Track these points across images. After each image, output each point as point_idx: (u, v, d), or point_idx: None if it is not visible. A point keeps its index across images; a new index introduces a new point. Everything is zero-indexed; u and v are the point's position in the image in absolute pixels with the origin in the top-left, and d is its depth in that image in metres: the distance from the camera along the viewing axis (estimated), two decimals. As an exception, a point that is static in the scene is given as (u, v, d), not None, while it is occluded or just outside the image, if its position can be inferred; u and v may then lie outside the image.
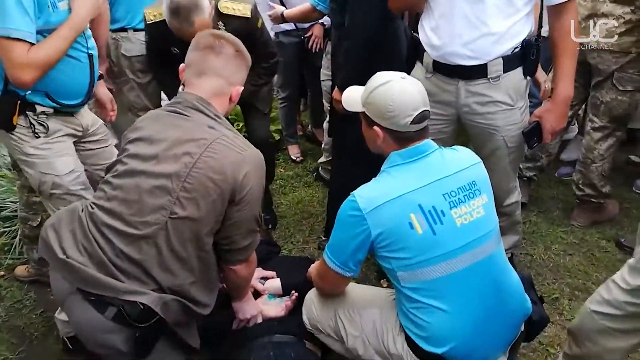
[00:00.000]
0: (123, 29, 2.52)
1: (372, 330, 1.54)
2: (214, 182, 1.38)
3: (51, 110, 1.79)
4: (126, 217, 1.38)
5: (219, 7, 2.05)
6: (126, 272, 1.37)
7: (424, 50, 1.86)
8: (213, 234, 1.46)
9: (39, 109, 1.76)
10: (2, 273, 2.50)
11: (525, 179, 2.86)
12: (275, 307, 1.88)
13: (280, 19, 2.72)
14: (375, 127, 1.45)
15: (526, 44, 1.80)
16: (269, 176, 2.72)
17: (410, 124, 1.41)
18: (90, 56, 1.83)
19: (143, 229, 1.37)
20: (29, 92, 1.70)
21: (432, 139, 1.49)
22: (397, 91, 1.41)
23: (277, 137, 3.62)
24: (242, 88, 1.57)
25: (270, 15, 2.77)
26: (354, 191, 1.43)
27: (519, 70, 1.84)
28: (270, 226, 2.72)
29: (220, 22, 2.04)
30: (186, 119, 1.46)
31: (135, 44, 2.53)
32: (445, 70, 1.83)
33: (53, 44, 1.65)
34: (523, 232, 2.50)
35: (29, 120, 1.74)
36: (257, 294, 1.92)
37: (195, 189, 1.37)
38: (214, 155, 1.40)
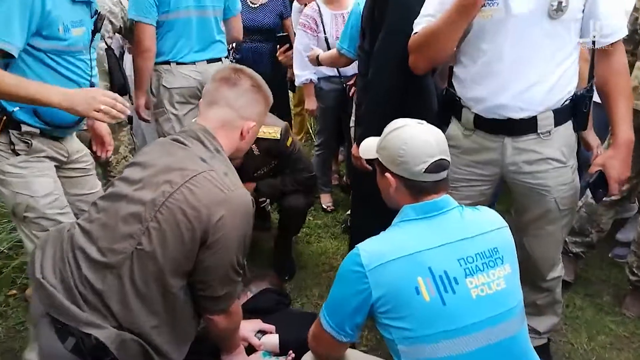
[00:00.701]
0: (167, 62, 2.57)
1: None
2: (186, 216, 1.29)
3: (37, 131, 1.71)
4: (100, 242, 1.32)
5: None
6: (89, 302, 1.29)
7: (462, 106, 1.70)
8: (183, 276, 1.34)
9: (24, 127, 1.69)
10: (15, 292, 2.48)
11: (571, 254, 2.58)
12: (268, 366, 1.71)
13: (316, 61, 2.70)
14: (388, 175, 1.32)
15: (577, 95, 1.64)
16: (296, 231, 2.65)
17: (425, 172, 1.26)
18: (92, 85, 1.78)
19: (110, 257, 1.30)
20: (17, 108, 1.64)
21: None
22: (410, 135, 1.29)
23: (310, 184, 3.52)
24: (255, 124, 1.49)
25: (308, 57, 2.78)
26: (360, 244, 1.28)
27: (569, 124, 1.67)
28: (287, 277, 2.58)
29: (254, 144, 2.14)
30: (183, 148, 1.40)
31: (176, 77, 2.57)
32: (490, 126, 1.65)
33: (12, 83, 1.49)
34: (564, 316, 2.21)
35: (10, 137, 1.67)
36: (251, 349, 1.76)
37: (166, 220, 1.29)
38: (193, 189, 1.31)
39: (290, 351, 1.71)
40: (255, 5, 3.34)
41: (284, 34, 3.24)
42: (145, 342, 1.31)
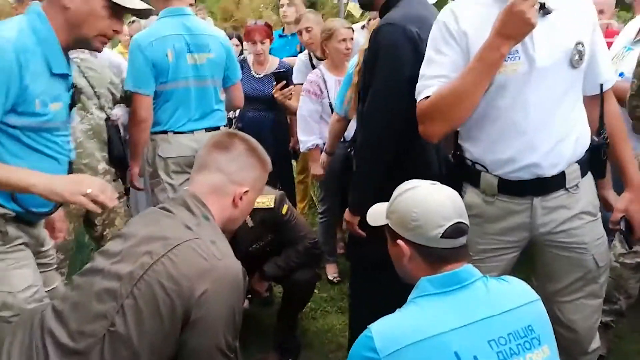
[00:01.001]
0: (164, 132, 2.51)
1: None
2: (165, 291, 1.15)
3: (12, 214, 1.51)
4: (70, 324, 1.17)
5: None
6: None
7: (478, 171, 1.53)
8: None
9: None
10: None
11: (600, 324, 2.36)
12: None
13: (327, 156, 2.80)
14: (400, 242, 1.18)
15: (594, 144, 1.54)
16: (301, 306, 2.47)
17: (442, 237, 1.13)
18: (70, 164, 1.65)
19: (79, 341, 1.14)
20: None
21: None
22: (423, 197, 1.17)
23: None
24: (250, 191, 1.38)
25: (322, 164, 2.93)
26: (372, 325, 1.11)
27: (590, 175, 1.56)
28: (291, 358, 2.36)
29: (248, 216, 2.10)
30: (168, 215, 1.28)
31: (172, 145, 2.50)
32: (516, 188, 1.49)
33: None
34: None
35: None
36: None
37: (143, 296, 1.14)
38: (174, 259, 1.18)
39: None
40: (260, 76, 3.35)
41: (283, 70, 3.20)
42: None
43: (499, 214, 1.53)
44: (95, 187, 1.37)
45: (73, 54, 2.32)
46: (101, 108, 2.38)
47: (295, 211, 2.35)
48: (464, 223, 1.17)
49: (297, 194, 4.00)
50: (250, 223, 2.15)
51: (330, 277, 3.21)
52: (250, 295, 2.32)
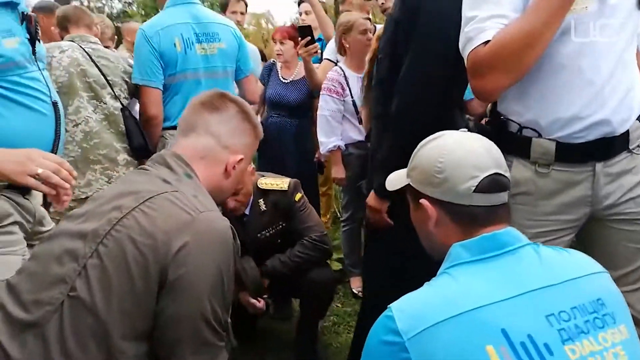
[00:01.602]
0: (173, 127, 2.35)
1: None
2: (137, 246, 0.94)
3: (3, 183, 1.31)
4: (23, 295, 0.97)
5: (258, 184, 2.06)
6: None
7: (527, 139, 1.26)
8: (137, 338, 0.95)
9: None
10: None
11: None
12: None
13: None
14: (423, 202, 0.94)
15: None
16: (321, 313, 2.22)
17: (475, 191, 0.88)
18: (54, 104, 1.44)
19: (33, 311, 0.93)
20: None
21: None
22: (450, 145, 0.94)
23: (338, 266, 3.10)
24: (244, 159, 1.18)
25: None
26: (393, 303, 0.87)
27: None
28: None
29: (261, 199, 2.06)
30: (144, 172, 1.09)
31: None
32: (577, 153, 1.22)
33: None
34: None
35: None
36: None
37: (110, 254, 0.94)
38: (148, 212, 0.98)
39: None
40: (287, 81, 3.20)
41: (307, 24, 2.94)
42: None
43: (555, 188, 1.24)
44: (48, 165, 1.18)
45: (85, 44, 2.27)
46: (116, 97, 2.27)
47: (309, 204, 2.17)
48: (503, 175, 0.93)
49: (321, 207, 3.78)
50: (262, 207, 2.04)
51: (355, 291, 2.93)
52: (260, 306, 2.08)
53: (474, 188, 0.90)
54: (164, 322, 0.96)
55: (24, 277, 1.01)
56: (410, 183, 1.01)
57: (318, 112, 2.86)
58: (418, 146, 1.03)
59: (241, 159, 1.18)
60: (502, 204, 0.93)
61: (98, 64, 2.25)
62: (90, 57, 2.24)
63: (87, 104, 2.20)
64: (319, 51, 2.88)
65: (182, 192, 1.04)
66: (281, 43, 3.09)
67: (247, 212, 2.06)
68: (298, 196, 2.09)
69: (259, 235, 2.07)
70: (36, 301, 0.94)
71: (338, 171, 2.86)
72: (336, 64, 2.96)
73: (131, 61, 2.39)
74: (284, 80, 3.21)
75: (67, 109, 2.13)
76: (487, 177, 0.90)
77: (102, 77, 2.25)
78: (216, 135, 1.16)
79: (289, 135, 3.17)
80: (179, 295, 0.95)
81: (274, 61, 3.34)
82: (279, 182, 2.08)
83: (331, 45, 3.09)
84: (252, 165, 2.05)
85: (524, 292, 0.81)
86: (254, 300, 2.03)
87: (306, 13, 3.85)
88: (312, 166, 3.35)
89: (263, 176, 2.11)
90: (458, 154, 0.93)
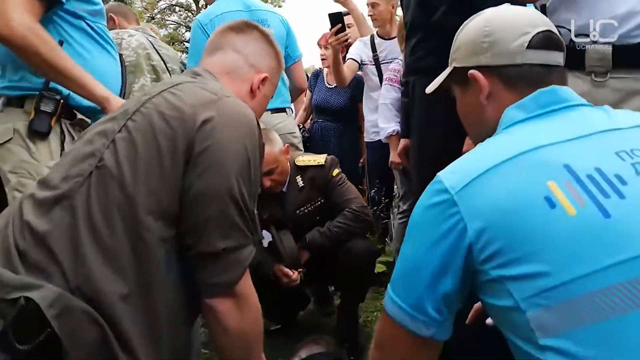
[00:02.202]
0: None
1: None
2: (165, 118, 0.93)
3: (89, 122, 1.45)
4: (53, 180, 0.95)
5: (295, 161, 2.09)
6: (27, 259, 0.87)
7: (580, 48, 1.18)
8: (162, 217, 0.92)
9: (78, 116, 1.45)
10: None
11: None
12: None
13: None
14: (473, 72, 0.88)
15: None
16: (361, 288, 2.09)
17: (528, 47, 0.82)
18: (120, 56, 1.60)
19: (62, 186, 0.91)
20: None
21: None
22: (495, 11, 0.90)
23: (381, 268, 2.97)
24: (268, 79, 1.18)
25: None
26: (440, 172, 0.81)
27: None
28: (347, 345, 1.97)
29: (299, 176, 2.08)
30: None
31: None
32: (635, 55, 1.14)
33: (48, 47, 1.30)
34: None
35: (62, 128, 1.42)
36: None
37: (139, 128, 0.93)
38: (176, 92, 0.98)
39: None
40: (331, 86, 3.26)
41: (337, 12, 2.82)
42: (104, 320, 0.84)
43: (614, 98, 1.16)
44: None
45: (146, 35, 2.45)
46: None
47: (347, 180, 2.14)
48: (556, 34, 0.87)
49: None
50: (300, 183, 2.04)
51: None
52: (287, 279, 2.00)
53: (526, 44, 0.83)
54: (191, 200, 0.93)
55: (55, 168, 1.01)
56: (455, 65, 0.95)
57: (380, 101, 2.85)
58: (458, 31, 0.98)
59: (265, 78, 1.17)
60: (558, 67, 0.86)
61: (159, 52, 2.43)
62: (152, 44, 2.42)
63: (150, 84, 2.34)
64: (350, 40, 2.86)
65: (208, 83, 1.05)
66: (325, 48, 3.17)
67: (284, 189, 2.05)
68: (335, 172, 2.07)
69: (297, 211, 2.05)
70: (65, 177, 0.94)
71: (395, 156, 2.81)
72: (360, 65, 2.96)
73: None
74: (329, 86, 3.26)
75: (132, 86, 2.28)
76: (539, 32, 0.84)
77: (162, 62, 2.42)
78: (242, 53, 1.16)
79: (333, 139, 3.18)
80: (205, 170, 0.92)
81: (320, 68, 3.41)
82: (316, 158, 2.09)
83: (357, 45, 3.08)
84: (286, 144, 2.07)
85: (589, 134, 0.73)
86: (287, 270, 1.96)
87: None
88: (356, 170, 3.32)
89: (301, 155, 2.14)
90: (505, 16, 0.88)
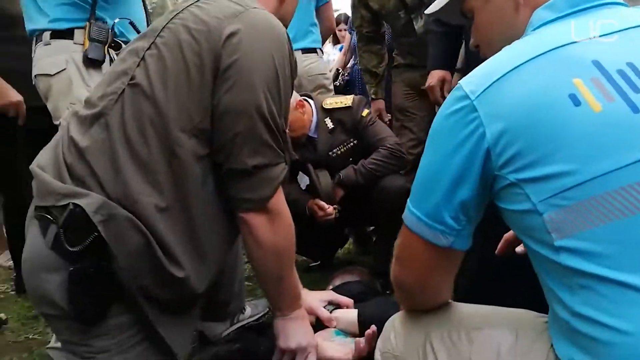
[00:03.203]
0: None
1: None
2: (191, 33, 0.93)
3: None
4: (92, 97, 0.99)
5: (323, 105, 2.07)
6: (73, 171, 0.92)
7: None
8: (195, 133, 0.94)
9: (123, 46, 1.49)
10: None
11: None
12: (341, 347, 1.16)
13: None
14: None
15: None
16: (395, 223, 2.07)
17: None
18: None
19: (99, 104, 0.95)
20: (117, 19, 1.46)
21: None
22: None
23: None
24: None
25: None
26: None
27: None
28: (389, 292, 1.98)
29: (327, 118, 2.04)
30: None
31: None
32: None
33: None
34: None
35: (110, 57, 1.47)
36: (320, 326, 1.22)
37: (167, 44, 0.94)
38: (202, 5, 0.97)
39: (373, 326, 1.13)
40: None
41: None
42: (146, 228, 0.89)
43: None
44: None
45: None
46: None
47: (378, 119, 2.13)
48: None
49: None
50: (330, 125, 2.03)
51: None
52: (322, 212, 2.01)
53: None
54: (220, 117, 0.94)
55: (96, 87, 1.05)
56: None
57: None
58: None
59: None
60: None
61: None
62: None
63: None
64: None
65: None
66: None
67: (314, 135, 2.05)
68: (365, 112, 2.04)
69: (330, 153, 2.05)
70: (102, 95, 0.97)
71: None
72: None
73: None
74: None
75: None
76: None
77: None
78: None
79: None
80: (232, 86, 0.93)
81: None
82: (342, 100, 2.06)
83: None
84: (299, 98, 2.03)
85: (623, 29, 0.67)
86: (322, 203, 1.98)
87: None
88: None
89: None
90: None
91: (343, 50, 3.47)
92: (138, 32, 1.50)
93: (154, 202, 0.91)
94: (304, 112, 2.02)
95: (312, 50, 2.42)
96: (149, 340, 0.96)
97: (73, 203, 0.87)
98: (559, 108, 0.63)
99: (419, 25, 2.21)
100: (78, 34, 1.47)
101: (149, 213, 0.90)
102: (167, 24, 0.98)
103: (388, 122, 2.51)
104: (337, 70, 3.19)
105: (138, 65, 0.95)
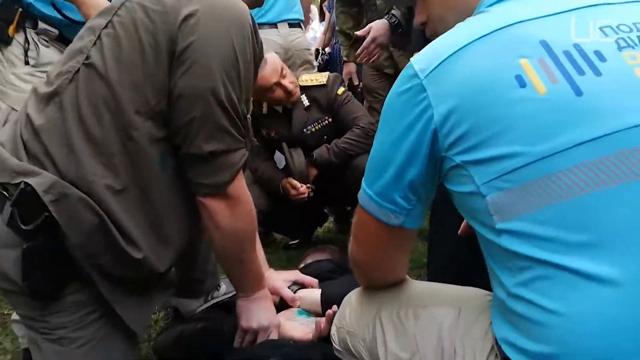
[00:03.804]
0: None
1: (436, 346, 0.73)
2: (147, 12, 0.90)
3: (56, 33, 1.46)
4: (50, 74, 0.97)
5: (299, 81, 2.05)
6: (29, 149, 0.91)
7: None
8: (149, 116, 0.92)
9: (41, 25, 1.44)
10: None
11: None
12: (302, 327, 1.17)
13: None
14: None
15: None
16: None
17: None
18: None
19: (55, 82, 0.93)
20: None
21: None
22: None
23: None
24: None
25: None
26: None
27: None
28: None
29: (303, 95, 2.04)
30: None
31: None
32: None
33: None
34: None
35: (26, 37, 1.43)
36: (284, 306, 1.23)
37: (121, 23, 0.91)
38: None
39: (334, 306, 1.14)
40: None
41: None
42: (100, 209, 0.89)
43: None
44: None
45: None
46: None
47: (354, 98, 2.11)
48: None
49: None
50: (305, 102, 2.02)
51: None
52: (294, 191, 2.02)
53: None
54: (176, 100, 0.92)
55: (55, 64, 1.02)
56: None
57: None
58: None
59: None
60: None
61: None
62: None
63: None
64: None
65: None
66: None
67: (290, 107, 2.04)
68: (341, 90, 2.04)
69: (304, 130, 2.04)
70: (58, 74, 0.95)
71: None
72: None
73: None
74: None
75: None
76: None
77: None
78: None
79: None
80: (188, 69, 0.91)
81: None
82: (317, 77, 2.05)
83: None
84: (286, 69, 2.01)
85: (573, 8, 0.66)
86: (295, 182, 1.99)
87: None
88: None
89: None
90: None
91: (323, 29, 3.40)
92: (61, 14, 1.44)
93: (109, 183, 0.90)
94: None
95: (297, 25, 2.38)
96: (106, 317, 0.96)
97: (24, 182, 0.86)
98: (505, 89, 0.62)
99: (379, 1, 2.18)
100: None
101: (103, 194, 0.89)
102: (124, 2, 0.95)
103: (359, 87, 2.47)
104: (317, 50, 3.14)
105: (94, 44, 0.93)
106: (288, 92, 1.95)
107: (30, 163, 0.89)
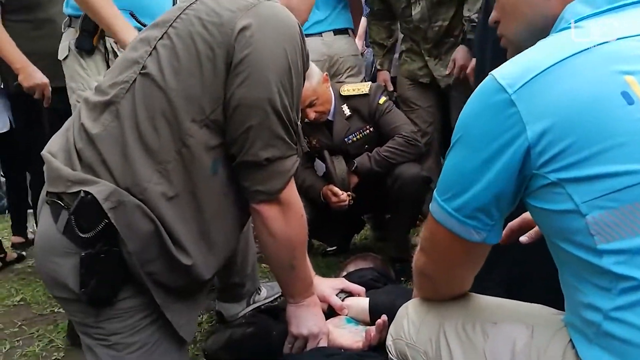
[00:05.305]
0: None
1: (508, 362, 0.72)
2: (204, 24, 0.93)
3: None
4: (103, 85, 0.99)
5: (340, 91, 2.06)
6: (83, 158, 0.93)
7: None
8: (206, 125, 0.94)
9: None
10: None
11: None
12: (351, 335, 1.16)
13: None
14: None
15: None
16: (411, 213, 2.05)
17: None
18: None
19: (109, 92, 0.95)
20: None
21: None
22: None
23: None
24: None
25: None
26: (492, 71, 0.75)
27: None
28: (403, 279, 1.98)
29: (345, 104, 2.05)
30: None
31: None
32: None
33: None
34: None
35: (106, 45, 1.51)
36: (332, 313, 1.23)
37: (178, 34, 0.93)
38: None
39: (384, 315, 1.13)
40: None
41: None
42: (154, 215, 0.90)
43: None
44: None
45: None
46: None
47: (395, 107, 2.10)
48: None
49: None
50: (347, 112, 2.03)
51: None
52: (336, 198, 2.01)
53: None
54: (233, 110, 0.94)
55: (107, 74, 1.05)
56: None
57: None
58: None
59: None
60: None
61: None
62: None
63: None
64: None
65: None
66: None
67: (331, 118, 2.05)
68: (382, 100, 2.04)
69: (345, 139, 2.04)
70: (113, 84, 0.98)
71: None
72: None
73: None
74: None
75: None
76: None
77: None
78: None
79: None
80: (245, 79, 0.93)
81: None
82: (360, 87, 2.05)
83: None
84: (325, 73, 2.03)
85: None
86: (336, 189, 1.98)
87: None
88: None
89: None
90: None
91: (357, 36, 3.38)
92: (139, 22, 1.50)
93: (163, 190, 0.92)
94: (328, 87, 2.02)
95: (344, 31, 2.40)
96: (158, 323, 0.98)
97: (84, 191, 0.88)
98: (612, 106, 0.60)
99: (415, 11, 2.19)
100: (75, 22, 1.53)
101: (157, 201, 0.91)
102: (180, 14, 0.97)
103: (395, 94, 2.50)
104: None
105: (150, 55, 0.95)
106: (315, 118, 1.97)
107: (83, 172, 0.92)
